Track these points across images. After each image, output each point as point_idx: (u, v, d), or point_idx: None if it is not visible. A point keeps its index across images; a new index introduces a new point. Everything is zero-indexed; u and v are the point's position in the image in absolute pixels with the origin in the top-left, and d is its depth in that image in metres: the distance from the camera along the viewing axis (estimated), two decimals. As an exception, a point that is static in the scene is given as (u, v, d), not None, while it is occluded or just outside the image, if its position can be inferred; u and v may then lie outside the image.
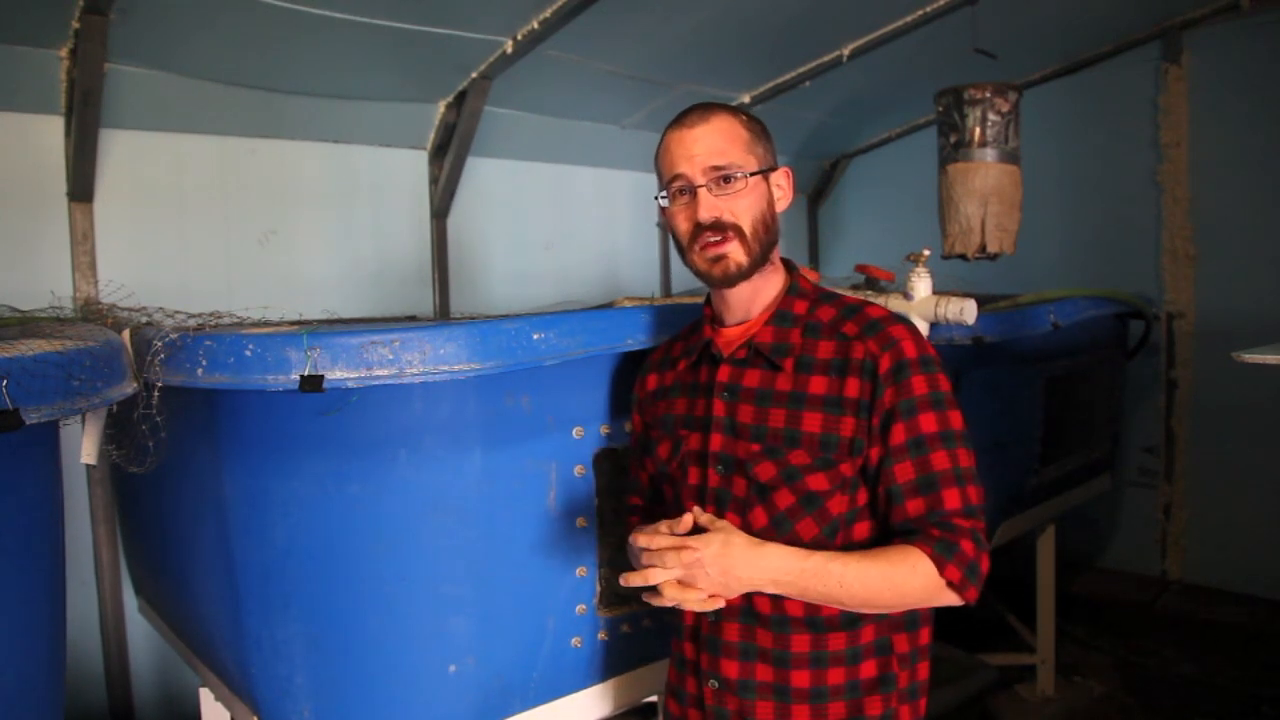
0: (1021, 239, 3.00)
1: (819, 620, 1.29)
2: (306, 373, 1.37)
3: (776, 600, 1.29)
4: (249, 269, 3.17)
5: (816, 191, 5.45)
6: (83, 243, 2.75)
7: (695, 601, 1.23)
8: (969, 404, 1.40)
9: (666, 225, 1.41)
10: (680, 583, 1.24)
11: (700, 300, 1.51)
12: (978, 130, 2.89)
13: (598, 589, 1.76)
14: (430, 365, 1.42)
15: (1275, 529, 3.81)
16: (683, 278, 1.50)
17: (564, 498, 1.69)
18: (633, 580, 1.24)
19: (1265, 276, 3.81)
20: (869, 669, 1.30)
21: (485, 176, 3.83)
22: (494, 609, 1.63)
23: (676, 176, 1.34)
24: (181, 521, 1.88)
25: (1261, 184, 3.82)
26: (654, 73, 3.66)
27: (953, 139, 2.94)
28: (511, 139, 3.80)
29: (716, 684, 1.35)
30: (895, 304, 2.29)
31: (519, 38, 3.06)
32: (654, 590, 1.25)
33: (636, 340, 1.66)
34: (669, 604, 1.24)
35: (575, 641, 1.75)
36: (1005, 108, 2.90)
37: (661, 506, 1.52)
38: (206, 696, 2.02)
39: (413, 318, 3.36)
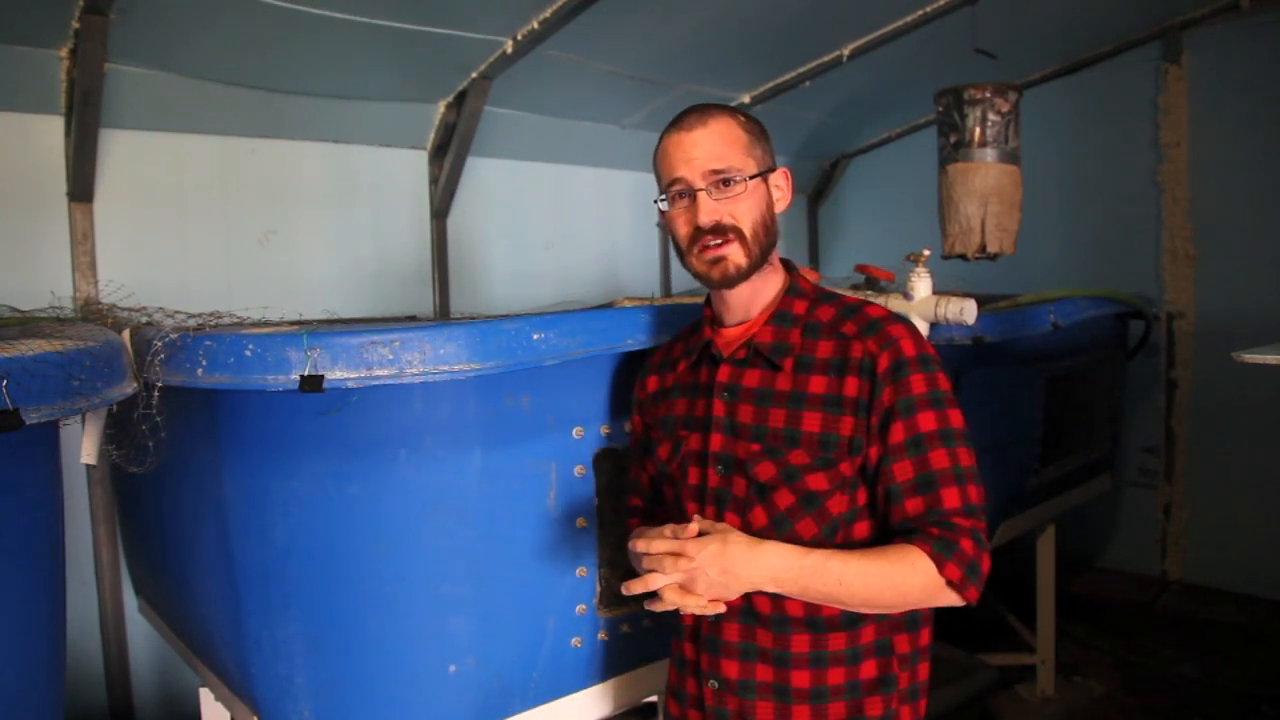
0: (1021, 239, 3.00)
1: (819, 620, 1.29)
2: (306, 373, 1.37)
3: (776, 600, 1.29)
4: (249, 269, 3.17)
5: (816, 191, 5.45)
6: (83, 243, 2.75)
7: (696, 606, 1.23)
8: (969, 404, 1.40)
9: (666, 228, 1.41)
10: (681, 587, 1.24)
11: (700, 300, 1.51)
12: (978, 130, 2.89)
13: (598, 589, 1.76)
14: (430, 365, 1.42)
15: (1275, 529, 3.81)
16: (683, 278, 1.50)
17: (564, 498, 1.69)
18: (634, 588, 1.25)
19: (1265, 276, 3.81)
20: (869, 669, 1.30)
21: (485, 176, 3.83)
22: (494, 609, 1.63)
23: (675, 180, 1.34)
24: (181, 521, 1.88)
25: (1261, 184, 3.83)
26: (654, 73, 3.66)
27: (953, 139, 2.94)
28: (511, 139, 3.80)
29: (716, 684, 1.35)
30: (895, 304, 2.29)
31: (519, 38, 3.06)
32: (655, 596, 1.25)
33: (636, 340, 1.66)
34: (670, 609, 1.24)
35: (575, 641, 1.75)
36: (1005, 108, 2.90)
37: (662, 507, 1.52)
38: (206, 696, 2.02)
39: (413, 318, 3.36)
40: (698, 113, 1.34)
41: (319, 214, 3.38)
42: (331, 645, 1.59)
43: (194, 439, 1.68)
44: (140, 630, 2.75)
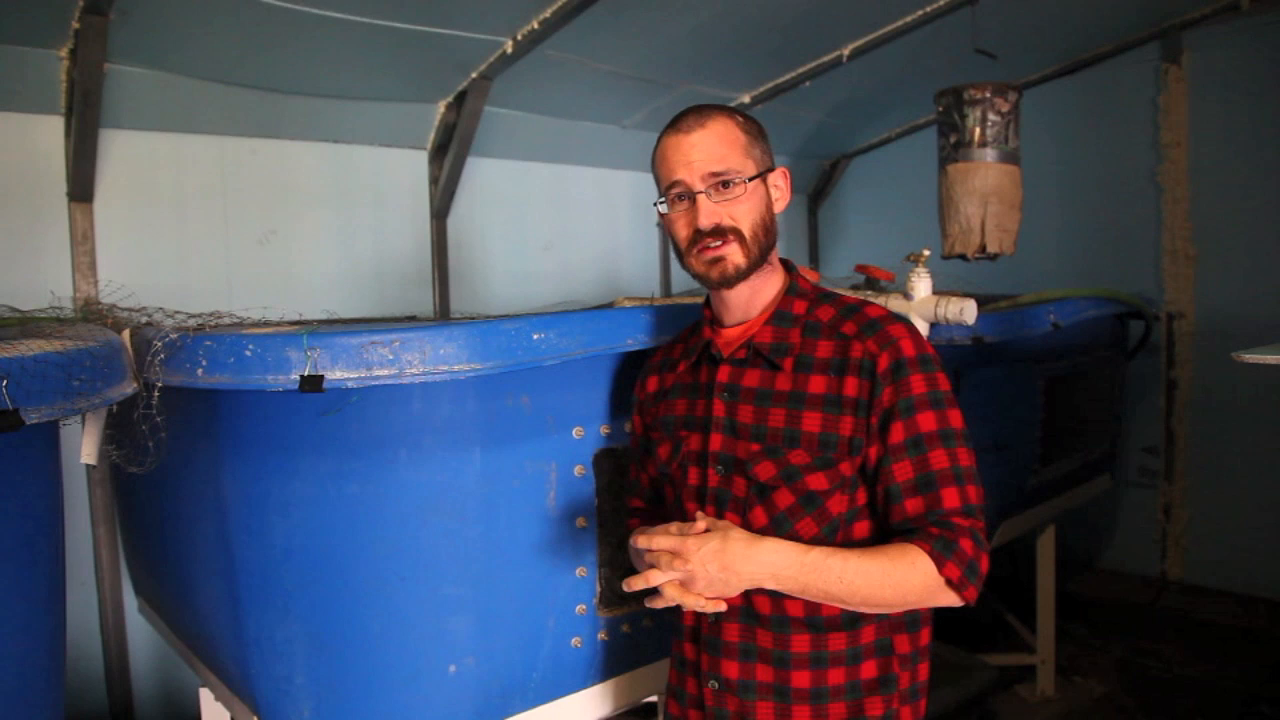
0: (1021, 239, 3.00)
1: (819, 620, 1.29)
2: (306, 373, 1.37)
3: (777, 600, 1.30)
4: (249, 269, 3.17)
5: (816, 191, 5.45)
6: (83, 243, 2.75)
7: (696, 603, 1.23)
8: (969, 404, 1.40)
9: (665, 230, 1.41)
10: (681, 584, 1.24)
11: (700, 300, 1.51)
12: (978, 130, 2.89)
13: (598, 589, 1.76)
14: (430, 365, 1.42)
15: (1275, 529, 3.81)
16: (683, 278, 1.51)
17: (564, 498, 1.69)
18: (634, 584, 1.24)
19: (1265, 276, 3.81)
20: (869, 669, 1.30)
21: (485, 176, 3.83)
22: (494, 609, 1.63)
23: (675, 183, 1.34)
24: (181, 522, 1.88)
25: (1261, 184, 3.83)
26: (654, 73, 3.66)
27: (953, 139, 2.94)
28: (511, 139, 3.80)
29: (717, 685, 1.35)
30: (895, 304, 2.29)
31: (519, 38, 3.06)
32: (656, 593, 1.25)
33: (636, 340, 1.66)
34: (671, 604, 1.24)
35: (575, 641, 1.75)
36: (1005, 108, 2.90)
37: (662, 508, 1.52)
38: (206, 696, 2.02)
39: (413, 318, 3.36)
40: (695, 114, 1.34)
41: (319, 214, 3.38)
42: (331, 645, 1.59)
43: (194, 439, 1.68)
44: (140, 630, 2.75)
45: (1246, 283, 3.88)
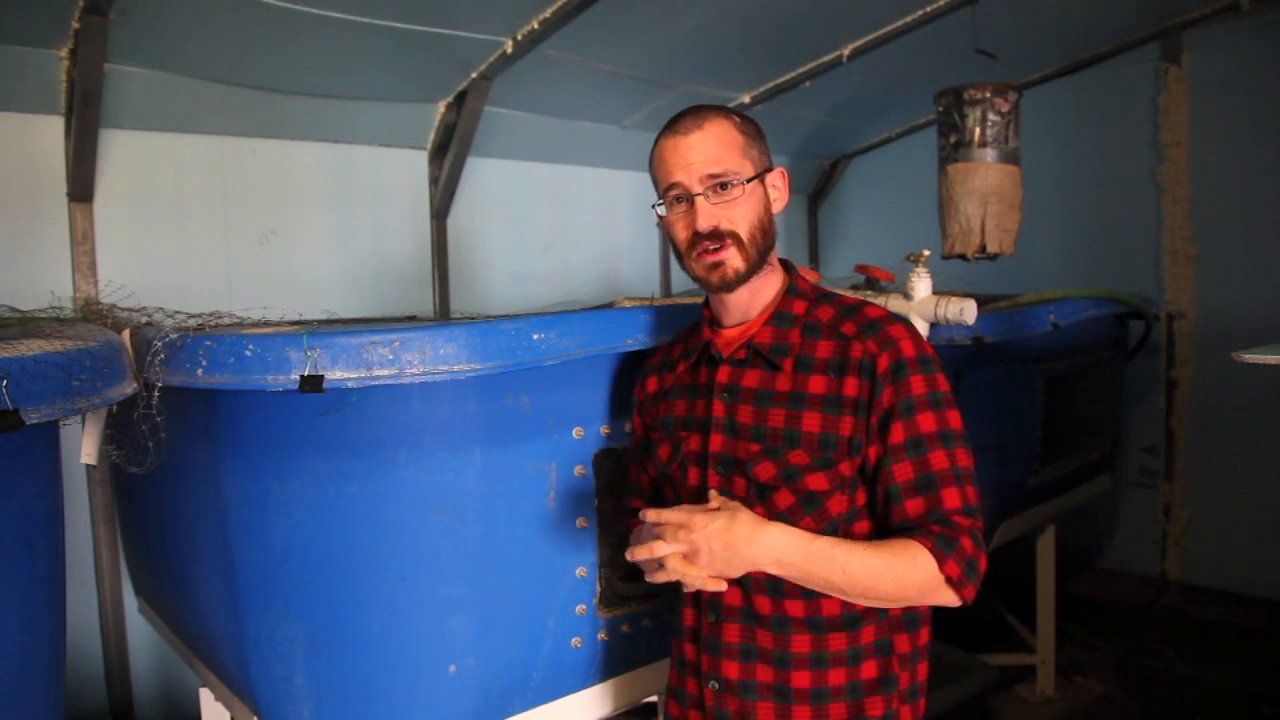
0: (1021, 239, 3.00)
1: (819, 621, 1.29)
2: (306, 373, 1.37)
3: (777, 601, 1.30)
4: (249, 269, 3.17)
5: (816, 191, 5.45)
6: (83, 243, 2.75)
7: (698, 578, 1.22)
8: (969, 404, 1.40)
9: (664, 231, 1.41)
10: (685, 558, 1.23)
11: (700, 301, 1.51)
12: (978, 130, 2.89)
13: (598, 589, 1.76)
14: (430, 365, 1.42)
15: (1275, 529, 3.81)
16: (683, 278, 1.50)
17: (564, 498, 1.69)
18: (638, 553, 1.24)
19: (1265, 276, 3.81)
20: (869, 669, 1.30)
21: (485, 176, 3.83)
22: (494, 609, 1.63)
23: (673, 185, 1.34)
24: (181, 522, 1.88)
25: (1261, 184, 3.82)
26: (654, 73, 3.66)
27: (953, 139, 2.94)
28: (511, 139, 3.80)
29: (717, 685, 1.35)
30: (895, 304, 2.29)
31: (519, 38, 3.06)
32: (659, 566, 1.24)
33: (636, 340, 1.66)
34: (672, 578, 1.23)
35: (575, 641, 1.75)
36: (1005, 108, 2.90)
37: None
38: (206, 696, 2.02)
39: (413, 318, 3.36)
40: (693, 115, 1.34)
41: (319, 214, 3.38)
42: (331, 645, 1.59)
43: (194, 439, 1.68)
44: (140, 630, 2.75)
45: (1246, 283, 3.88)
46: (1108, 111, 4.28)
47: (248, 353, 1.40)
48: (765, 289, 1.39)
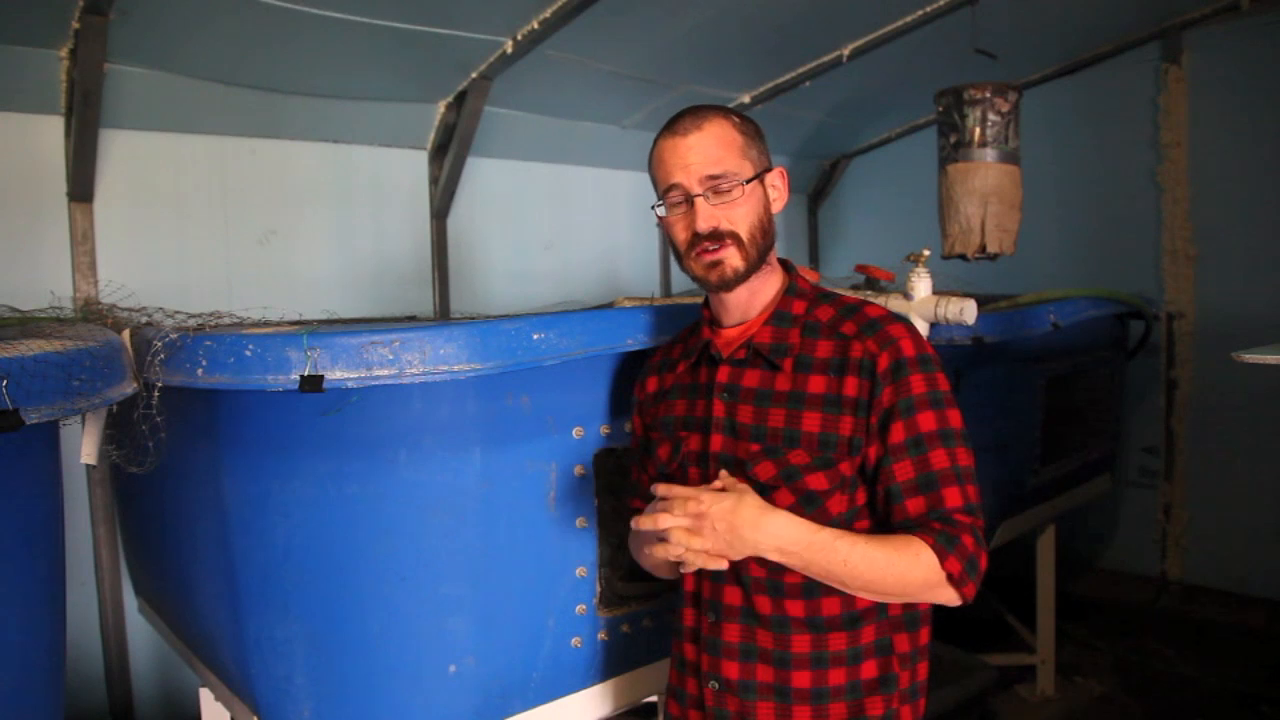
0: (1021, 239, 3.00)
1: (819, 621, 1.29)
2: (306, 373, 1.37)
3: (777, 600, 1.30)
4: (249, 269, 3.17)
5: (816, 191, 5.45)
6: (83, 243, 2.75)
7: (700, 554, 1.21)
8: (969, 404, 1.40)
9: (664, 232, 1.41)
10: (689, 533, 1.22)
11: (699, 301, 1.51)
12: (978, 130, 2.89)
13: (598, 589, 1.76)
14: (430, 365, 1.42)
15: (1275, 529, 3.81)
16: (683, 278, 1.50)
17: (564, 498, 1.69)
18: (643, 523, 1.24)
19: (1265, 276, 3.81)
20: (870, 669, 1.30)
21: (485, 176, 3.83)
22: (494, 609, 1.63)
23: (672, 187, 1.34)
24: (181, 522, 1.88)
25: (1261, 184, 3.82)
26: (654, 73, 3.66)
27: (953, 139, 2.94)
28: (511, 139, 3.80)
29: (717, 685, 1.35)
30: (895, 304, 2.29)
31: (519, 38, 3.06)
32: (659, 539, 1.23)
33: (636, 340, 1.66)
34: (675, 553, 1.22)
35: (575, 641, 1.75)
36: (1005, 108, 2.90)
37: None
38: (206, 696, 2.02)
39: (413, 318, 3.36)
40: (692, 116, 1.34)
41: (319, 214, 3.38)
42: (331, 645, 1.59)
43: (194, 439, 1.68)
44: (140, 630, 2.75)
45: (1246, 283, 3.88)
46: (1108, 111, 4.28)
47: (248, 353, 1.40)
48: (765, 289, 1.39)
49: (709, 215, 1.31)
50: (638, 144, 4.01)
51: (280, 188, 3.27)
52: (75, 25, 2.45)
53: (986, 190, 2.89)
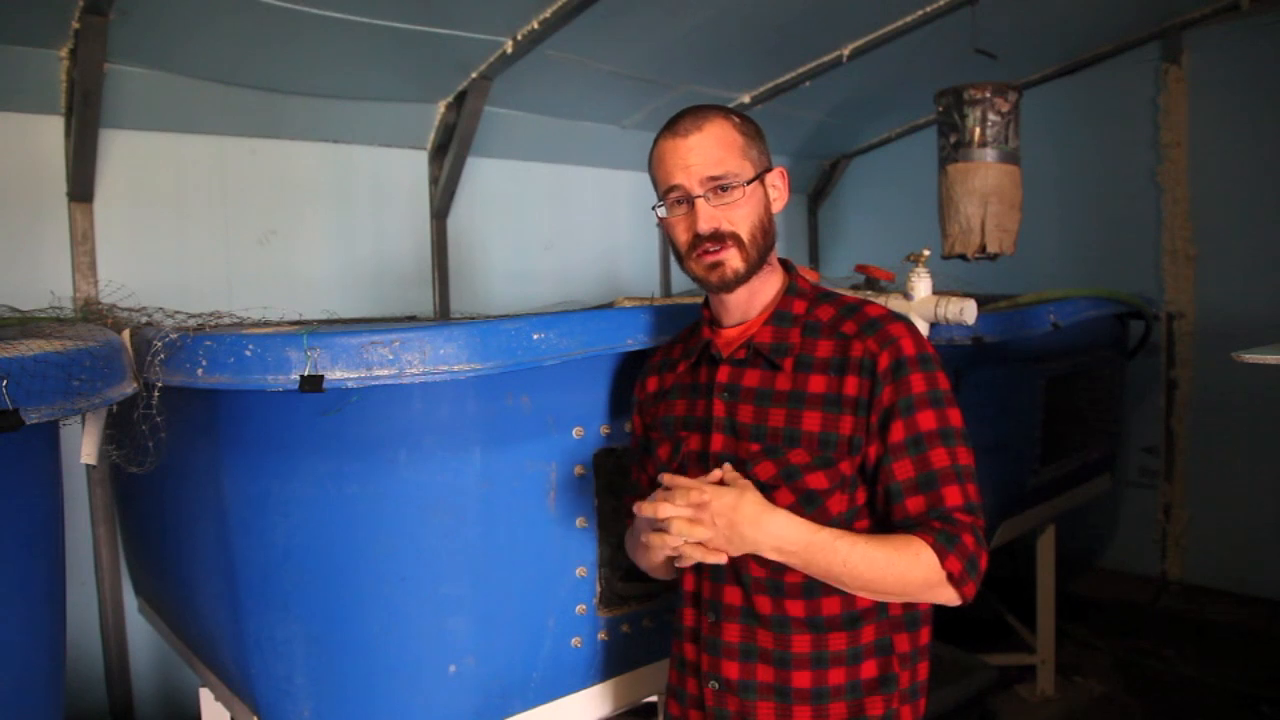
0: (1021, 239, 2.99)
1: (820, 620, 1.29)
2: (306, 373, 1.37)
3: (777, 601, 1.30)
4: (249, 269, 3.17)
5: (816, 191, 5.45)
6: (83, 243, 2.75)
7: (698, 547, 1.21)
8: (969, 404, 1.40)
9: (664, 233, 1.41)
10: (690, 523, 1.22)
11: (699, 301, 1.51)
12: (978, 130, 2.89)
13: (598, 589, 1.76)
14: (430, 365, 1.42)
15: (1275, 529, 3.81)
16: (683, 278, 1.51)
17: (564, 498, 1.69)
18: (644, 510, 1.23)
19: (1265, 276, 3.81)
20: (870, 669, 1.30)
21: (485, 176, 3.83)
22: (494, 609, 1.63)
23: (673, 187, 1.33)
24: (181, 522, 1.88)
25: (1261, 184, 3.83)
26: (654, 73, 3.66)
27: (953, 139, 2.94)
28: (511, 139, 3.80)
29: (717, 685, 1.35)
30: (895, 304, 2.29)
31: (519, 38, 3.06)
32: (662, 529, 1.23)
33: (636, 340, 1.66)
34: (674, 543, 1.21)
35: (575, 641, 1.75)
36: (1005, 108, 2.90)
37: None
38: (206, 696, 2.02)
39: (413, 318, 3.36)
40: (692, 116, 1.34)
41: (319, 214, 3.38)
42: (331, 645, 1.59)
43: (194, 439, 1.68)
44: (140, 630, 2.75)
45: (1246, 283, 3.88)
46: (1108, 111, 4.28)
47: (248, 353, 1.40)
48: (765, 289, 1.39)
49: (710, 216, 1.31)
50: (638, 144, 4.01)
51: (280, 188, 3.27)
52: (75, 25, 2.45)
53: (986, 190, 2.89)
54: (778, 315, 1.37)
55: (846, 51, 3.72)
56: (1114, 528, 4.37)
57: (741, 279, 1.33)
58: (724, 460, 1.34)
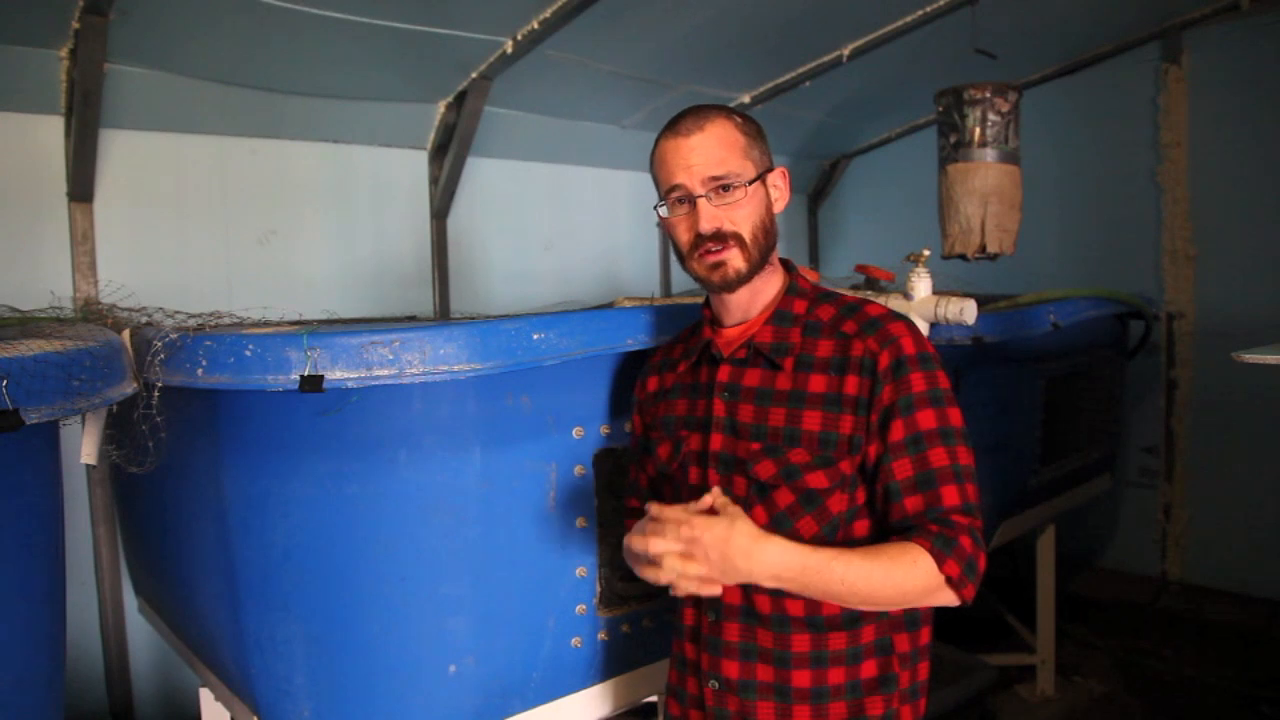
0: (1021, 239, 3.00)
1: (819, 620, 1.29)
2: (306, 373, 1.37)
3: (777, 600, 1.29)
4: (249, 269, 3.17)
5: (816, 191, 5.45)
6: (83, 243, 2.75)
7: (693, 580, 1.18)
8: (969, 404, 1.40)
9: (666, 232, 1.41)
10: (682, 556, 1.18)
11: (700, 300, 1.51)
12: (978, 130, 2.89)
13: (598, 589, 1.76)
14: (430, 365, 1.42)
15: (1275, 529, 3.81)
16: (683, 277, 1.51)
17: (564, 498, 1.69)
18: (635, 543, 1.20)
19: (1265, 276, 3.81)
20: (870, 669, 1.30)
21: (485, 176, 3.83)
22: (494, 609, 1.63)
23: (675, 187, 1.33)
24: (181, 522, 1.88)
25: (1261, 184, 3.83)
26: (654, 73, 3.66)
27: (953, 139, 2.94)
28: (511, 139, 3.80)
29: (717, 684, 1.35)
30: (895, 304, 2.29)
31: (519, 38, 3.06)
32: (649, 561, 1.20)
33: (636, 340, 1.66)
34: (667, 578, 1.19)
35: (575, 641, 1.75)
36: (1005, 108, 2.90)
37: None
38: (206, 696, 2.02)
39: (413, 318, 3.36)
40: (694, 116, 1.34)
41: (319, 214, 3.38)
42: (331, 645, 1.59)
43: (194, 439, 1.68)
44: (140, 630, 2.75)
45: (1246, 283, 3.88)
46: (1108, 111, 4.29)
47: (248, 353, 1.40)
48: (766, 289, 1.39)
49: (712, 216, 1.31)
50: (638, 144, 4.03)
51: (280, 188, 3.27)
52: (75, 25, 2.45)
53: (986, 190, 2.89)
54: (778, 315, 1.37)
55: (846, 51, 3.72)
56: (1114, 528, 4.37)
57: (743, 279, 1.33)
58: (724, 459, 1.34)
